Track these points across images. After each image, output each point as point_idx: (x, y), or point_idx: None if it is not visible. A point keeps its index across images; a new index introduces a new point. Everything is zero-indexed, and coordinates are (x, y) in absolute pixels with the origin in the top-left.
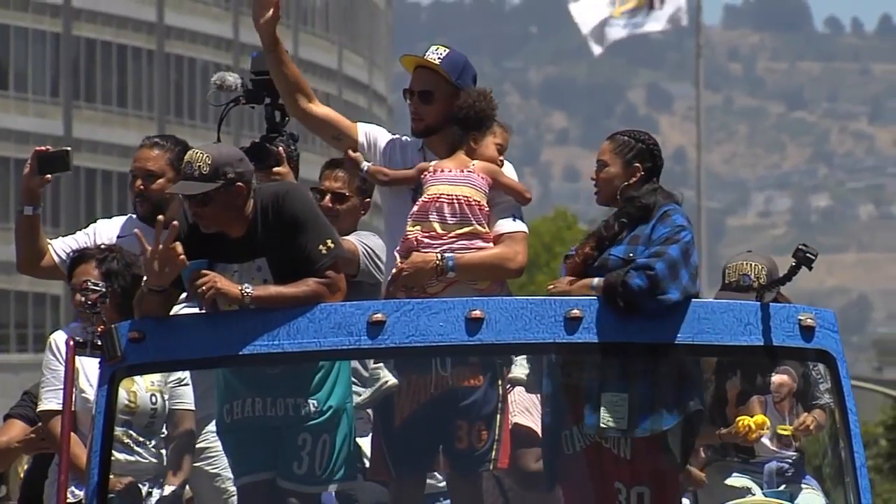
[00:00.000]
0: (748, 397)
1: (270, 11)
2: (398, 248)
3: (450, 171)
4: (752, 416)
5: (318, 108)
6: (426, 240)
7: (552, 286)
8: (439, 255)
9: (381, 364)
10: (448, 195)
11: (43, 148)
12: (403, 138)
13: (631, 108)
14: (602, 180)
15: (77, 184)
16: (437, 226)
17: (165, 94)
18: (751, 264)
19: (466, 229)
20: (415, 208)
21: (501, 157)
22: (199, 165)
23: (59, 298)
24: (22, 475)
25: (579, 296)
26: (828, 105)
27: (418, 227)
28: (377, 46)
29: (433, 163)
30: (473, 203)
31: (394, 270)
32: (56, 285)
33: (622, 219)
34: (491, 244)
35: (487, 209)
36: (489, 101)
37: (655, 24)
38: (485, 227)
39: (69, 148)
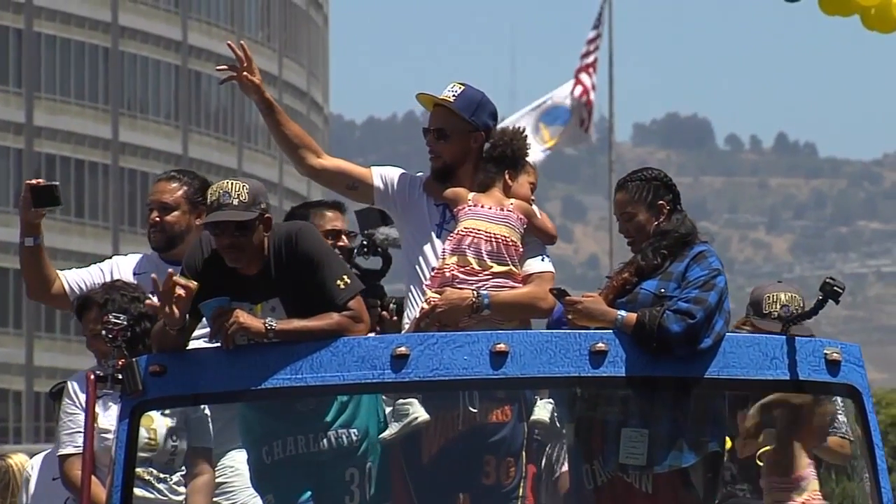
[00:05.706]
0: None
1: (255, 78)
2: (428, 280)
3: (489, 209)
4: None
5: (329, 161)
6: (462, 275)
7: (574, 298)
8: (475, 293)
9: (410, 399)
10: (487, 233)
11: (34, 181)
12: (417, 174)
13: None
14: (636, 230)
15: None
16: (473, 261)
17: (120, 206)
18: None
19: (503, 269)
20: (451, 241)
21: (533, 197)
22: (239, 193)
23: (20, 394)
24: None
25: (600, 323)
26: (728, 216)
27: (455, 259)
28: None
29: (471, 195)
30: (511, 244)
31: (424, 306)
32: (18, 381)
33: (662, 251)
34: (520, 285)
35: (522, 250)
36: (524, 140)
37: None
38: (518, 269)
39: (57, 183)
